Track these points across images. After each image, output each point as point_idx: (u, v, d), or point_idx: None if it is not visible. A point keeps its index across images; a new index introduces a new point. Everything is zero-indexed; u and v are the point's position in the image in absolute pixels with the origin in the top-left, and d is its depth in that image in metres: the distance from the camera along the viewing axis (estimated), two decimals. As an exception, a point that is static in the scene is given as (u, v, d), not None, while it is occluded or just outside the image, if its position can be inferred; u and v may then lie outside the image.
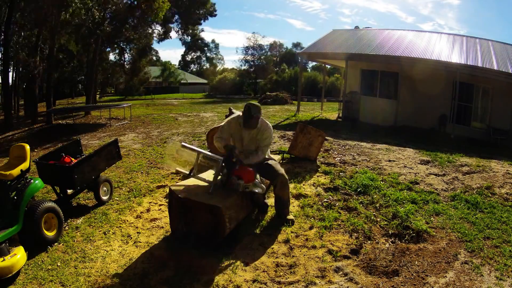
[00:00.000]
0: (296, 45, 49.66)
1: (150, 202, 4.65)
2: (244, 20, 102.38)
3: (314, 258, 3.14)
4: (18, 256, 2.98)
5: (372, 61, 12.81)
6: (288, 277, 2.88)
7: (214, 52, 54.98)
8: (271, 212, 3.98)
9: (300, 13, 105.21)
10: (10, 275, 2.89)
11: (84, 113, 16.26)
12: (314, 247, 3.30)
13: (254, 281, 2.82)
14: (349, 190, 4.53)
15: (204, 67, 53.40)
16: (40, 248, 3.42)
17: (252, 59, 37.14)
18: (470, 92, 11.30)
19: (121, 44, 24.29)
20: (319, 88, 27.23)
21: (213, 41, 56.40)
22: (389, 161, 5.95)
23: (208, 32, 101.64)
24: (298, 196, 4.36)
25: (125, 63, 27.65)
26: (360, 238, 3.43)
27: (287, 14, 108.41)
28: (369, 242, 3.37)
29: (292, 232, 3.56)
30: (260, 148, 3.62)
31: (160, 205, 4.52)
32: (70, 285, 2.92)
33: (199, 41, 51.22)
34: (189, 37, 44.02)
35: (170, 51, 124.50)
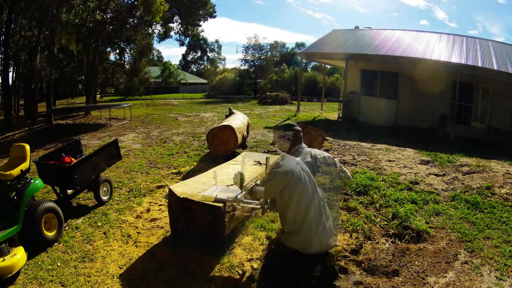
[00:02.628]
0: (299, 45, 49.71)
1: (150, 202, 4.66)
2: (264, 12, 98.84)
3: (314, 258, 3.13)
4: (18, 256, 2.99)
5: (372, 61, 12.81)
6: (288, 276, 2.88)
7: (217, 52, 55.02)
8: (271, 213, 3.98)
9: (331, 6, 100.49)
10: (10, 275, 2.89)
11: (84, 113, 16.25)
12: (314, 247, 3.29)
13: (253, 280, 2.82)
14: (349, 190, 4.52)
15: (205, 68, 53.33)
16: (40, 248, 3.42)
17: (252, 58, 37.09)
18: (470, 92, 11.30)
19: (121, 44, 24.28)
20: (319, 88, 27.22)
21: (216, 41, 56.56)
22: (389, 161, 5.95)
23: (223, 24, 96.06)
24: (298, 196, 4.36)
25: (125, 63, 27.64)
26: (360, 238, 3.43)
27: (317, 7, 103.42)
28: (369, 242, 3.37)
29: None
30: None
31: (160, 205, 4.52)
32: (70, 285, 2.92)
33: (202, 41, 51.27)
34: (188, 38, 43.99)
35: (174, 49, 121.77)
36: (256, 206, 2.76)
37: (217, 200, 3.01)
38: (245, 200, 2.81)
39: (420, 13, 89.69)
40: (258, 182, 2.84)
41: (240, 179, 2.67)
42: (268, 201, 2.61)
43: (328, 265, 2.47)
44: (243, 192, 2.77)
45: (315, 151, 2.62)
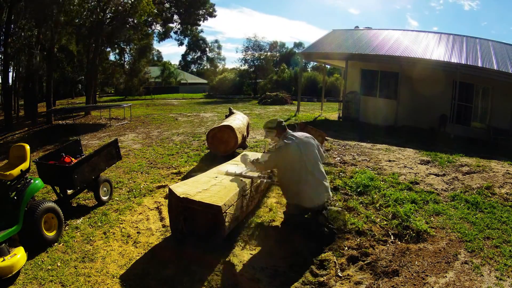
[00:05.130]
0: (298, 44, 49.71)
1: (150, 202, 4.65)
2: (290, 3, 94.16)
3: (314, 258, 3.13)
4: (18, 256, 2.98)
5: (371, 61, 12.81)
6: (288, 276, 2.88)
7: (217, 52, 55.06)
8: (271, 213, 3.98)
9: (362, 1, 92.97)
10: (10, 275, 2.89)
11: (84, 113, 16.24)
12: (314, 247, 3.29)
13: (253, 280, 2.82)
14: (349, 190, 4.53)
15: (205, 68, 53.31)
16: (40, 248, 3.42)
17: (252, 58, 37.04)
18: (470, 92, 11.30)
19: (121, 44, 24.28)
20: (319, 88, 27.23)
21: (216, 41, 56.73)
22: (389, 161, 5.95)
23: (244, 15, 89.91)
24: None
25: (125, 63, 27.66)
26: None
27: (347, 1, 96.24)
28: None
29: (292, 232, 3.55)
30: None
31: (160, 205, 4.52)
32: (70, 285, 2.92)
33: (201, 41, 51.34)
34: (187, 38, 43.99)
35: (174, 49, 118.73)
36: (267, 179, 3.89)
37: (244, 177, 3.76)
38: (261, 175, 3.83)
39: (463, 13, 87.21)
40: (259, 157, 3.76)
41: (245, 159, 3.80)
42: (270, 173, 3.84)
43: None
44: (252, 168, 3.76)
45: (300, 133, 3.52)
